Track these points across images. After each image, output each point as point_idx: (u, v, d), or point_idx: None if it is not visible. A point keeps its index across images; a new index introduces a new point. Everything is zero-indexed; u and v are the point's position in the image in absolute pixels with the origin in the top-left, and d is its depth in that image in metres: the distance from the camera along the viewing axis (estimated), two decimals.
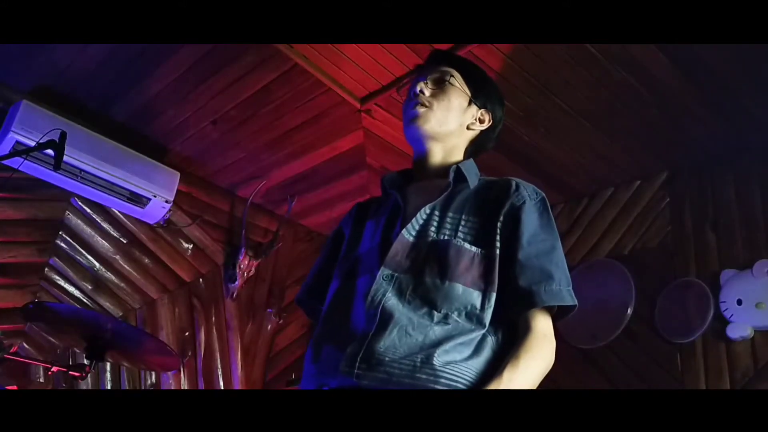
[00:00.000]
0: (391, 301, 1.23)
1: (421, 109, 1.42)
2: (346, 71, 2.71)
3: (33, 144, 2.23)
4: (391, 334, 1.19)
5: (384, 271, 1.27)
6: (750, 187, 2.88)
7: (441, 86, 1.45)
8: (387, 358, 1.16)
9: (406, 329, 1.19)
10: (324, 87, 2.78)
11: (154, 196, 3.12)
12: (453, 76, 1.45)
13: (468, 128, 1.47)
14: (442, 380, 1.15)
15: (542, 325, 1.25)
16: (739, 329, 2.67)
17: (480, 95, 1.48)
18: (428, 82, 1.45)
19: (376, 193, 1.54)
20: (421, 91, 1.43)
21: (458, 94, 1.45)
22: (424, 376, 1.14)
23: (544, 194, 1.38)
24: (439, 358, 1.16)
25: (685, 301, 2.85)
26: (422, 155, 1.47)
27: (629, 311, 2.99)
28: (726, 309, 2.72)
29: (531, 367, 1.20)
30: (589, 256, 3.27)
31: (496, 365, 1.21)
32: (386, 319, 1.21)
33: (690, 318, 2.81)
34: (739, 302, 2.69)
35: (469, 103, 1.47)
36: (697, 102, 2.68)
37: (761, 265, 2.69)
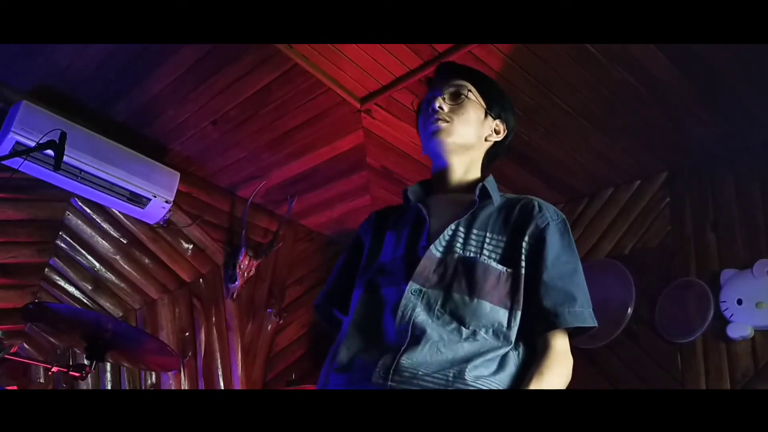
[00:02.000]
0: (421, 316, 1.25)
1: (442, 125, 1.43)
2: (346, 71, 2.71)
3: (33, 144, 2.23)
4: (423, 349, 1.21)
5: (412, 286, 1.29)
6: (750, 187, 2.88)
7: (458, 101, 1.46)
8: (420, 372, 1.19)
9: (437, 345, 1.22)
10: (324, 87, 2.78)
11: (154, 196, 3.12)
12: (470, 90, 1.47)
13: (486, 140, 1.50)
14: None
15: (562, 344, 1.29)
16: (740, 329, 2.67)
17: (494, 106, 1.51)
18: (445, 97, 1.46)
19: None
20: (440, 107, 1.44)
21: (475, 107, 1.47)
22: (455, 390, 1.17)
23: (564, 216, 1.42)
24: (470, 373, 1.19)
25: (685, 301, 2.85)
26: (443, 169, 1.48)
27: (629, 311, 2.99)
28: (726, 309, 2.72)
29: (554, 384, 1.24)
30: (589, 256, 3.27)
31: (520, 380, 1.25)
32: (418, 334, 1.23)
33: (690, 318, 2.81)
34: (740, 302, 2.69)
35: (486, 115, 1.49)
36: (697, 102, 2.68)
37: (761, 264, 2.69)
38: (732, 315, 2.70)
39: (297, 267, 3.96)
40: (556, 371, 1.25)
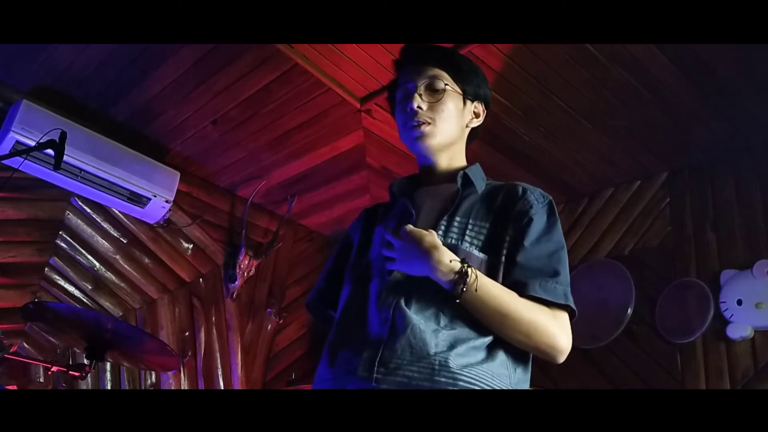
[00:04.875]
0: (402, 305, 1.24)
1: (425, 128, 1.40)
2: (346, 71, 2.71)
3: (33, 144, 2.23)
4: (405, 338, 1.20)
5: (394, 276, 1.29)
6: (750, 187, 2.88)
7: (436, 96, 1.41)
8: (405, 362, 1.17)
9: (418, 333, 1.20)
10: (324, 87, 2.78)
11: (154, 196, 3.12)
12: (446, 83, 1.42)
13: (467, 126, 1.48)
14: (461, 383, 1.15)
15: (560, 320, 1.25)
16: (739, 329, 2.67)
17: (470, 88, 1.46)
18: (421, 93, 1.41)
19: (377, 193, 1.55)
20: (419, 107, 1.39)
21: (453, 97, 1.43)
22: (443, 380, 1.15)
23: (551, 198, 1.39)
24: (455, 361, 1.17)
25: (685, 301, 2.85)
26: (429, 165, 1.47)
27: (629, 311, 2.99)
28: (726, 309, 2.72)
29: (528, 310, 1.21)
30: (589, 256, 3.27)
31: (513, 368, 1.23)
32: (398, 323, 1.22)
33: (690, 318, 2.81)
34: (739, 302, 2.69)
35: (464, 102, 1.46)
36: (697, 102, 2.68)
37: (761, 265, 2.69)
38: (732, 315, 2.70)
39: (297, 267, 3.96)
40: (530, 313, 1.21)
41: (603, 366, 2.99)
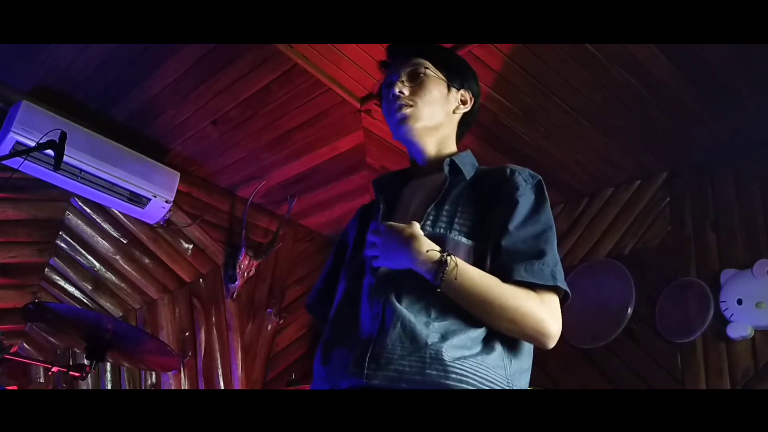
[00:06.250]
0: (392, 299, 1.23)
1: (407, 110, 1.40)
2: (346, 71, 2.71)
3: (33, 144, 2.23)
4: (395, 331, 1.18)
5: (383, 270, 1.28)
6: (750, 187, 2.88)
7: (417, 80, 1.43)
8: (396, 356, 1.16)
9: (409, 326, 1.19)
10: (324, 87, 2.78)
11: (154, 196, 3.12)
12: (427, 68, 1.43)
13: (454, 113, 1.47)
14: (453, 375, 1.14)
15: (548, 304, 1.23)
16: (740, 329, 2.67)
17: (455, 77, 1.47)
18: (403, 79, 1.43)
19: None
20: (401, 92, 1.40)
21: (436, 82, 1.44)
22: (434, 372, 1.14)
23: (540, 178, 1.37)
24: (448, 353, 1.15)
25: (685, 301, 2.85)
26: (417, 153, 1.47)
27: (629, 311, 2.99)
28: (726, 309, 2.72)
29: (513, 296, 1.19)
30: (589, 256, 3.27)
31: (509, 359, 1.22)
32: (389, 317, 1.21)
33: (690, 318, 2.81)
34: (740, 302, 2.69)
35: (448, 89, 1.46)
36: (697, 102, 2.68)
37: (761, 264, 2.69)
38: (732, 315, 2.70)
39: (297, 267, 3.96)
40: (515, 298, 1.19)
41: (603, 366, 2.99)
